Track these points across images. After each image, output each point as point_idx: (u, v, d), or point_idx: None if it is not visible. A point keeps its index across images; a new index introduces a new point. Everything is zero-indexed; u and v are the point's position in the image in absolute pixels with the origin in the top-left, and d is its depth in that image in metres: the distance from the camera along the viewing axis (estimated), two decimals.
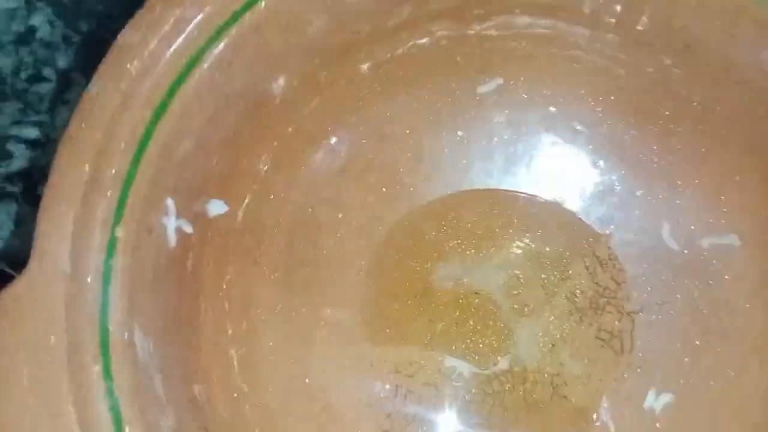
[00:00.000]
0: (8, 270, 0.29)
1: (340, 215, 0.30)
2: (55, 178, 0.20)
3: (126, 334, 0.20)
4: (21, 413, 0.19)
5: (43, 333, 0.19)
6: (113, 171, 0.21)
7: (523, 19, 0.26)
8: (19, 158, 0.32)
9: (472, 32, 0.27)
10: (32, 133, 0.32)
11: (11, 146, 0.32)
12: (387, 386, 0.29)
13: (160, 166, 0.22)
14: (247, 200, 0.27)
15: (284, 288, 0.29)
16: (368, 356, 0.29)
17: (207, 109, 0.23)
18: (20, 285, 0.19)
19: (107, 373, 0.20)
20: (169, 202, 0.23)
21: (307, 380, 0.28)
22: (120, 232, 0.21)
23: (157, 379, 0.21)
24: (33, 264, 0.19)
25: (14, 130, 0.32)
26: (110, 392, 0.19)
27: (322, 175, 0.29)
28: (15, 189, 0.32)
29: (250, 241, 0.28)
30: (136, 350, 0.20)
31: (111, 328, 0.20)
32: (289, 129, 0.27)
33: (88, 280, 0.20)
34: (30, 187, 0.32)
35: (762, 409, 0.26)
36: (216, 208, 0.26)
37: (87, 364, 0.20)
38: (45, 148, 0.32)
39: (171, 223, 0.23)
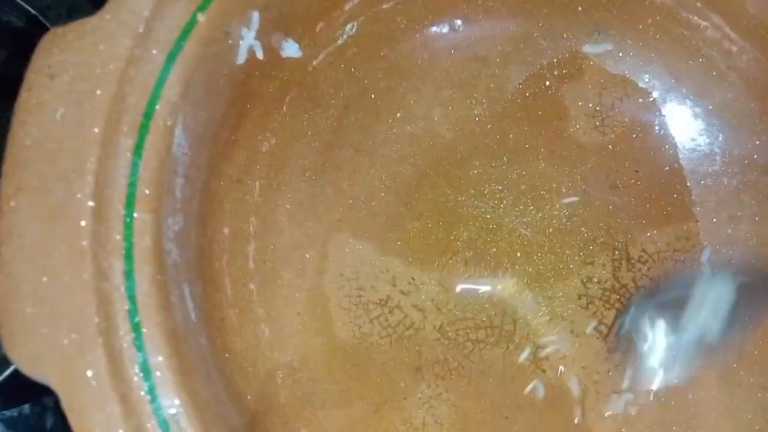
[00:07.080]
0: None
1: (398, 114, 0.29)
2: None
3: (170, 120, 0.19)
4: (46, 143, 0.18)
5: (92, 82, 0.18)
6: None
7: None
8: None
9: None
10: None
11: None
12: (379, 293, 0.28)
13: None
14: (321, 56, 0.26)
15: (319, 159, 0.28)
16: (372, 257, 0.28)
17: None
18: (88, 23, 0.18)
19: (138, 149, 0.19)
20: (255, 16, 0.22)
21: (307, 255, 0.27)
22: (201, 18, 0.20)
23: (179, 181, 0.20)
24: (110, 5, 0.18)
25: None
26: (134, 167, 0.19)
27: (404, 63, 0.28)
28: None
29: (306, 99, 0.27)
30: (172, 140, 0.19)
31: (158, 107, 0.19)
32: None
33: (154, 51, 0.19)
34: None
35: None
36: (291, 49, 0.25)
37: (121, 133, 0.19)
38: None
39: (248, 38, 0.22)
